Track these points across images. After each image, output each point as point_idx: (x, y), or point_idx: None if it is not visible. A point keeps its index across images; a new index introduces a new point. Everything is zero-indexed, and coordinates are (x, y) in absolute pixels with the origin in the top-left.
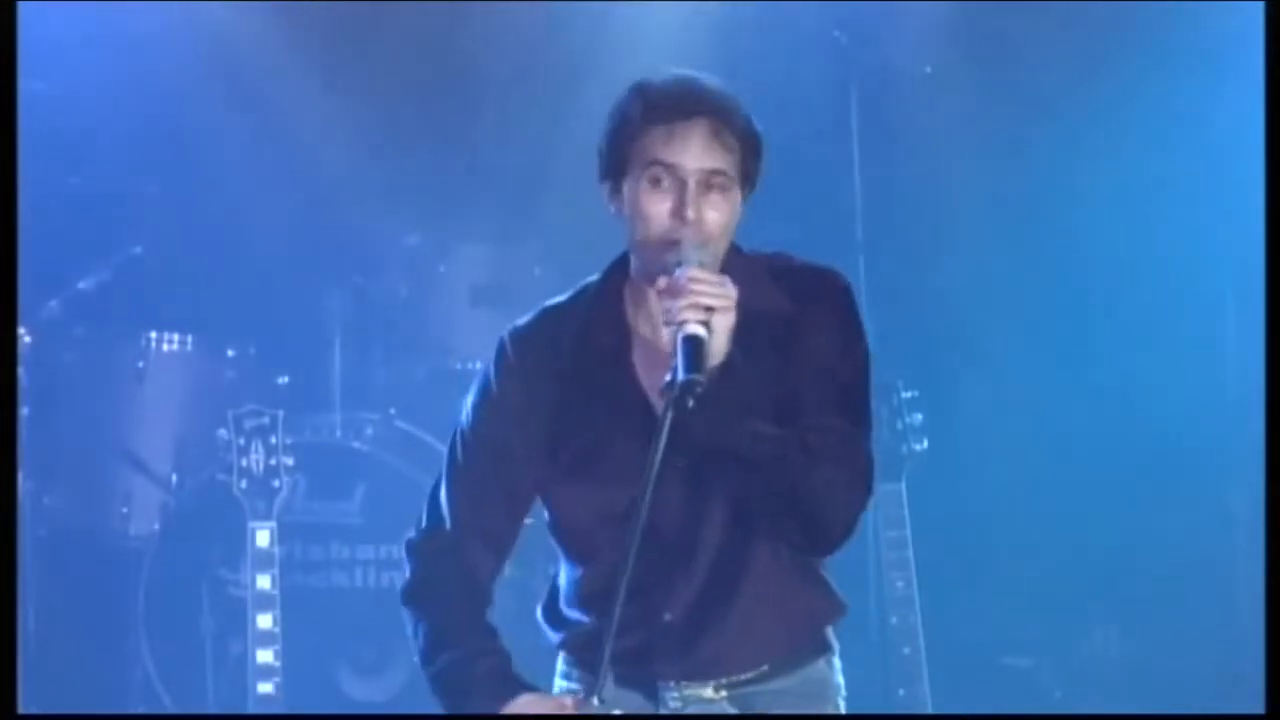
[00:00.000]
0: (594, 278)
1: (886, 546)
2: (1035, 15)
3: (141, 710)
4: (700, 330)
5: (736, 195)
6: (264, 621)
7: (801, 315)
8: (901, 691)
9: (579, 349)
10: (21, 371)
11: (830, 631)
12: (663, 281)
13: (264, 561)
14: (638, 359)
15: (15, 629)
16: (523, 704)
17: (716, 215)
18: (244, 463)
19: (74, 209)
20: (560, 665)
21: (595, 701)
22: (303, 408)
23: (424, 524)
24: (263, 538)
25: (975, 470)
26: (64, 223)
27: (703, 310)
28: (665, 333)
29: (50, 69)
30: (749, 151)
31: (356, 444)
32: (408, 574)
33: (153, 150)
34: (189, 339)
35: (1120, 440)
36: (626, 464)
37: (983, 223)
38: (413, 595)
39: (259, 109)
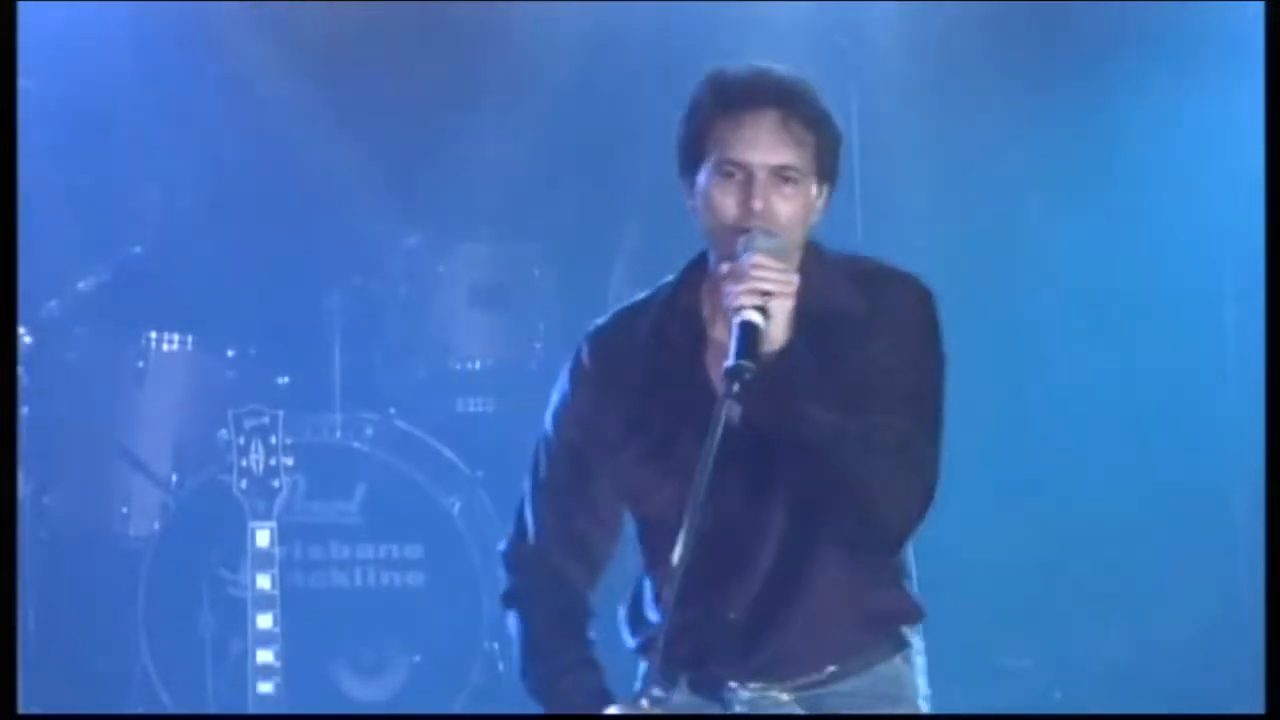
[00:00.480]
0: (672, 277)
1: None
2: (1036, 15)
3: (141, 710)
4: (755, 316)
5: (810, 189)
6: (264, 621)
7: (875, 318)
8: None
9: (652, 348)
10: (22, 371)
11: (907, 631)
12: (725, 267)
13: (264, 561)
14: (711, 359)
15: (15, 629)
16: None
17: (786, 207)
18: (244, 463)
19: (74, 209)
20: (643, 670)
21: (644, 704)
22: (303, 408)
23: (512, 534)
24: (263, 538)
25: (974, 470)
26: (64, 223)
27: (759, 295)
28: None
29: (51, 69)
30: (824, 144)
31: (356, 444)
32: (503, 584)
33: (153, 150)
34: (189, 339)
35: (1120, 440)
36: (695, 462)
37: (982, 223)
38: (508, 606)
39: (259, 109)
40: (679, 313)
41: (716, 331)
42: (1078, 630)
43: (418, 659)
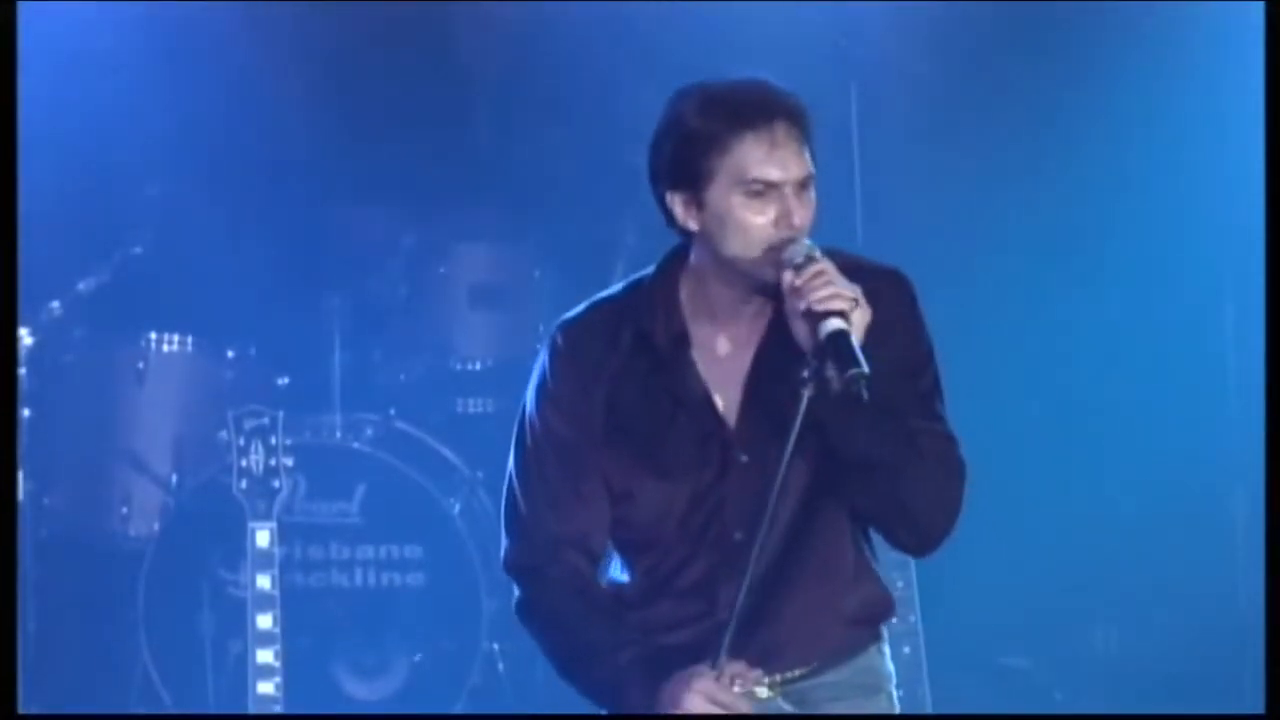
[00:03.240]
0: (647, 271)
1: (886, 547)
2: (1035, 15)
3: (141, 710)
4: (844, 324)
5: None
6: (264, 621)
7: (881, 321)
8: (901, 691)
9: (636, 342)
10: (22, 372)
11: (883, 625)
12: (790, 276)
13: (264, 562)
14: (697, 354)
15: (15, 629)
16: (678, 690)
17: (808, 213)
18: (244, 463)
19: (75, 209)
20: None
21: (736, 688)
22: (303, 408)
23: (513, 536)
24: (263, 538)
25: (974, 470)
26: (65, 223)
27: (847, 300)
28: (800, 326)
29: (51, 69)
30: (813, 144)
31: (356, 444)
32: (517, 593)
33: (153, 151)
34: (189, 339)
35: (1120, 440)
36: (686, 459)
37: (981, 223)
38: (529, 615)
39: (259, 109)
40: (662, 305)
41: (699, 325)
42: (1078, 630)
43: (418, 659)
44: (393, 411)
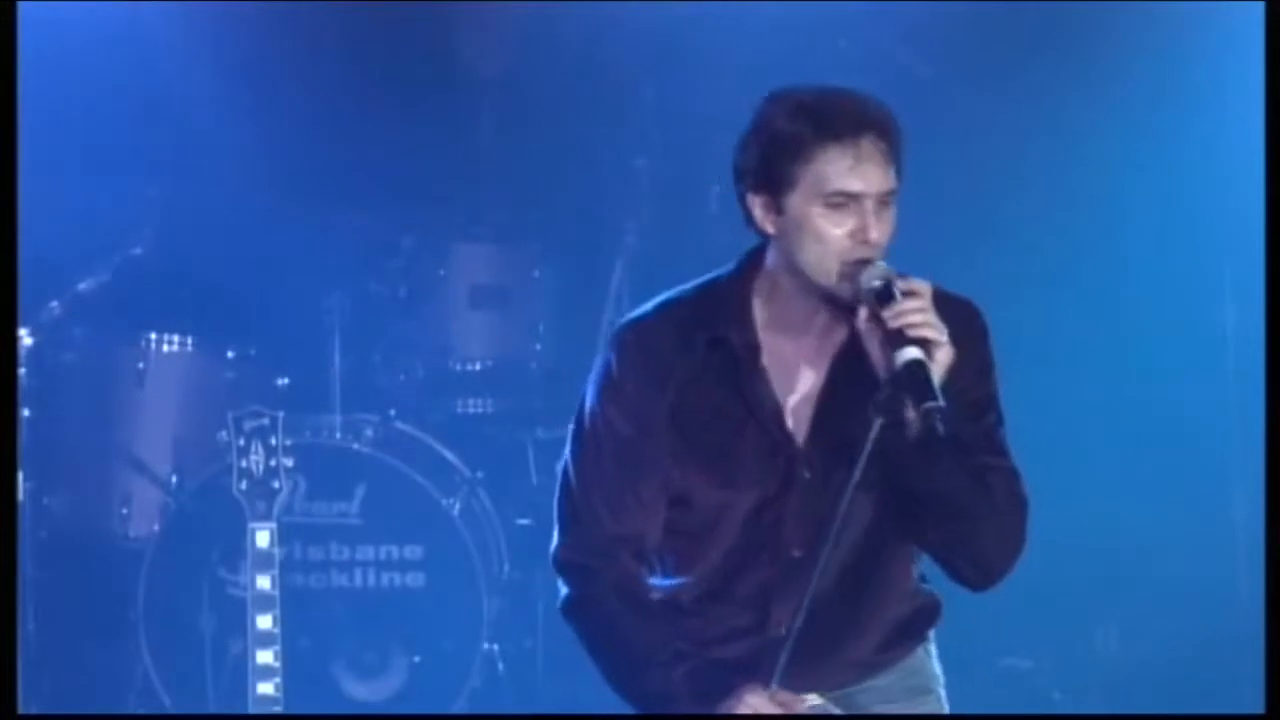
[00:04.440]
0: (722, 271)
1: None
2: (1037, 17)
3: (141, 710)
4: (922, 354)
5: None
6: (264, 622)
7: (956, 351)
8: None
9: (710, 347)
10: (22, 372)
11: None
12: (865, 310)
13: (264, 562)
14: (768, 363)
15: (15, 629)
16: (730, 704)
17: (886, 229)
18: (244, 464)
19: (75, 209)
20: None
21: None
22: (303, 409)
23: (566, 531)
24: (263, 539)
25: None
26: (65, 223)
27: (939, 329)
28: (875, 348)
29: (50, 69)
30: (901, 165)
31: (356, 445)
32: (566, 590)
33: (153, 151)
34: (189, 340)
35: (1120, 440)
36: (749, 470)
37: (983, 224)
38: (577, 614)
39: (260, 110)
40: (736, 310)
41: (771, 333)
42: (1078, 630)
43: (418, 659)
44: (392, 412)
